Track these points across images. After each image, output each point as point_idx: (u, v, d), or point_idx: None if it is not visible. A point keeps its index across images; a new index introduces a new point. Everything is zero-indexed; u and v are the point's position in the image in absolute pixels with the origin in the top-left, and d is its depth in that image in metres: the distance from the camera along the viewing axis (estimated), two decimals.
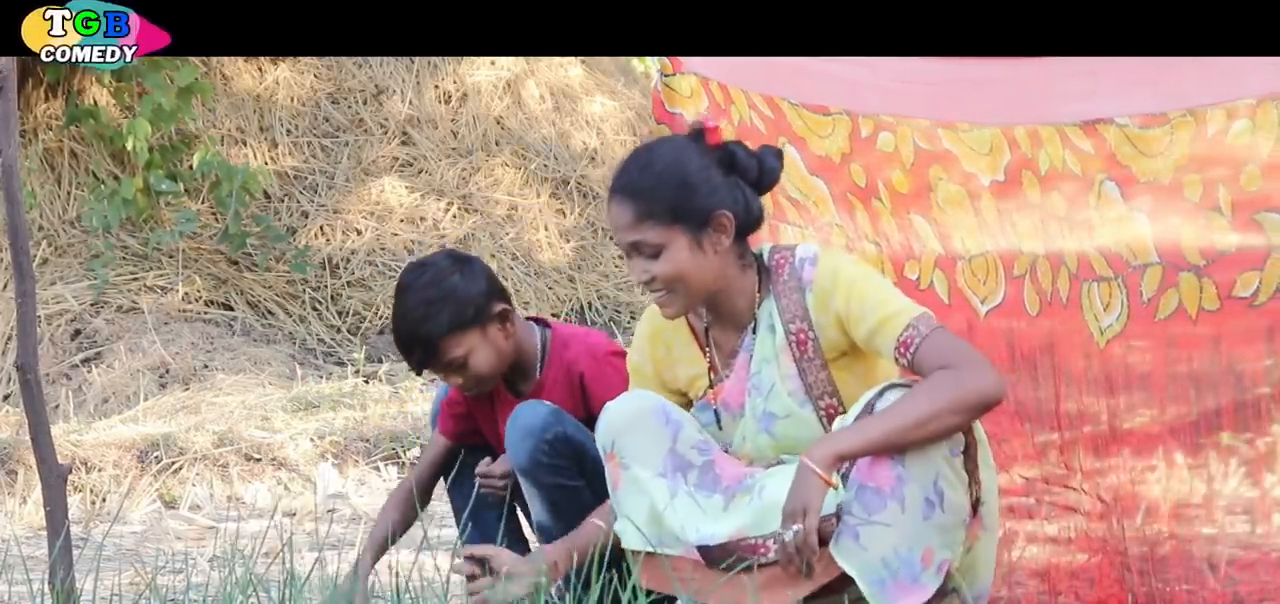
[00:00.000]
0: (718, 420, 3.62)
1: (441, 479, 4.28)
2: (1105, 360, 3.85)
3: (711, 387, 3.64)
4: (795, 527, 3.32)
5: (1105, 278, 3.83)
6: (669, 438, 3.56)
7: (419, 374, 4.09)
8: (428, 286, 3.96)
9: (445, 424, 4.20)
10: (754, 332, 3.57)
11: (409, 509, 4.22)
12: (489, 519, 4.08)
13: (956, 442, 3.38)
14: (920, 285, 4.01)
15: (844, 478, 3.39)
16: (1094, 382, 3.87)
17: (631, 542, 3.54)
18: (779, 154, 3.60)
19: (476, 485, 4.09)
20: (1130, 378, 3.84)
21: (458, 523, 4.20)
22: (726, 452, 3.61)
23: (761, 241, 3.71)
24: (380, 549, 4.14)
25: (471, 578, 3.69)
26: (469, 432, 4.18)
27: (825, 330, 3.51)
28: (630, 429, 3.57)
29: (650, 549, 3.51)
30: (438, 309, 3.93)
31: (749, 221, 3.55)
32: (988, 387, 3.34)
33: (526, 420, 3.86)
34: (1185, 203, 3.72)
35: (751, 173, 3.55)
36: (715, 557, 3.47)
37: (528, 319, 4.12)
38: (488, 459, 4.11)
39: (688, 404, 3.68)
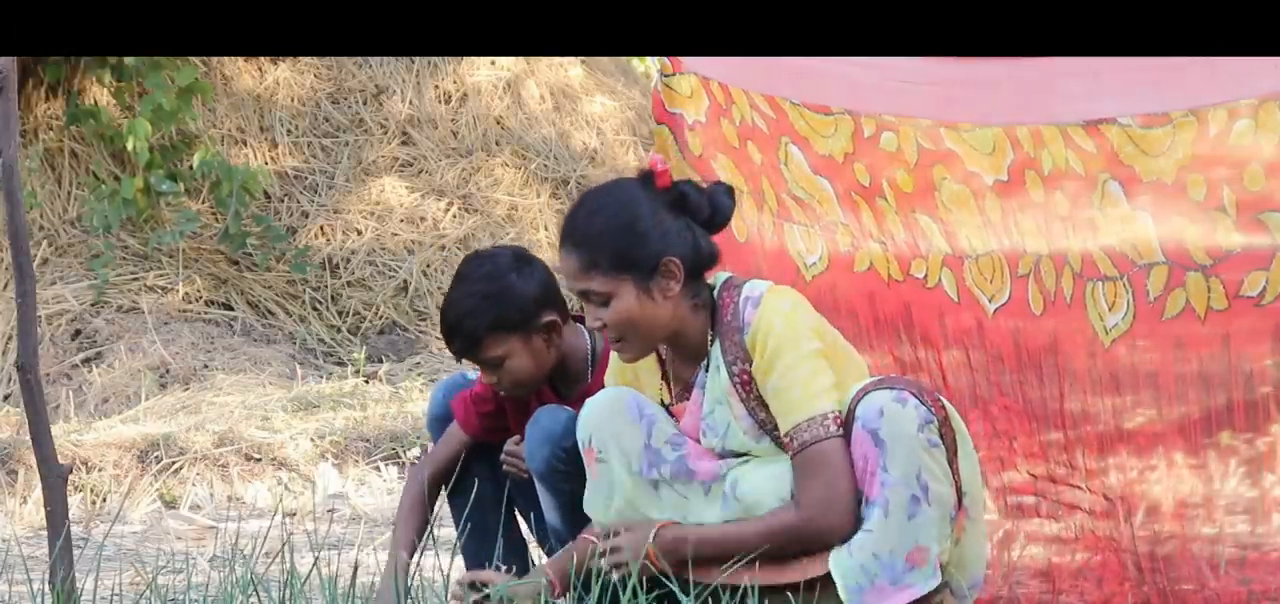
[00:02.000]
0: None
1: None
2: (1111, 360, 3.84)
3: (670, 406, 3.67)
4: (613, 556, 3.52)
5: (1110, 277, 3.83)
6: (643, 432, 3.59)
7: (459, 362, 4.07)
8: (482, 280, 3.93)
9: (469, 421, 4.14)
10: (706, 369, 3.58)
11: (432, 507, 4.18)
12: (488, 524, 4.07)
13: (933, 432, 3.39)
14: (928, 284, 4.00)
15: None
16: (1099, 381, 3.87)
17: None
18: (731, 191, 3.61)
19: (476, 484, 4.07)
20: (1137, 377, 3.84)
21: (456, 523, 4.18)
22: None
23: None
24: (413, 550, 4.09)
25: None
26: (494, 429, 4.15)
27: None
28: (607, 424, 3.60)
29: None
30: (486, 305, 3.90)
31: (700, 262, 3.55)
32: (834, 529, 3.43)
33: (546, 426, 3.85)
34: (1189, 202, 3.72)
35: (702, 212, 3.55)
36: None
37: (576, 319, 4.07)
38: (516, 438, 4.07)
39: None
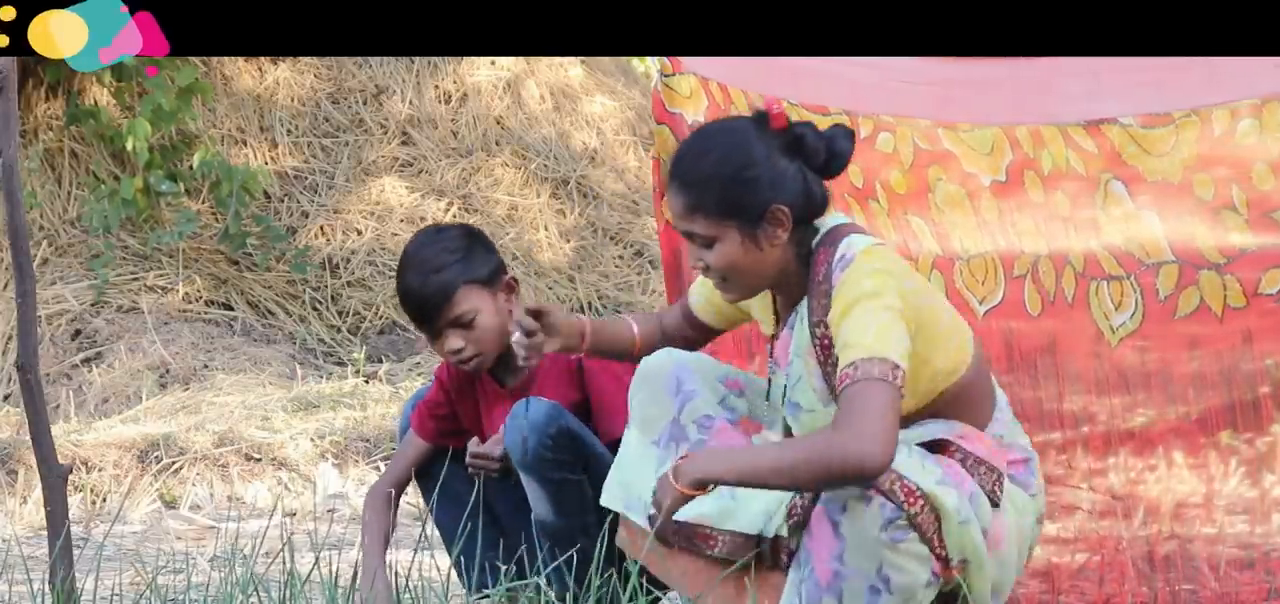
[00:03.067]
0: (770, 379, 3.56)
1: (422, 498, 4.26)
2: (1119, 359, 3.84)
3: (774, 337, 3.55)
4: (652, 511, 3.34)
5: (1116, 277, 3.83)
6: (675, 408, 3.54)
7: (426, 329, 4.05)
8: (444, 242, 4.00)
9: (424, 427, 4.16)
10: (796, 319, 3.47)
11: (393, 515, 4.20)
12: (479, 525, 4.06)
13: (899, 527, 3.23)
14: None
15: (802, 524, 3.36)
16: (1104, 381, 3.87)
17: (608, 500, 3.56)
18: (850, 134, 3.45)
19: (477, 487, 4.06)
20: (1149, 376, 3.83)
21: (448, 546, 4.16)
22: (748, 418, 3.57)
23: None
24: (383, 561, 4.11)
25: (531, 333, 3.60)
26: (449, 432, 4.15)
27: None
28: (642, 390, 3.56)
29: (620, 510, 3.53)
30: (454, 259, 3.96)
31: (811, 209, 3.41)
32: (863, 459, 3.18)
33: (530, 416, 3.86)
34: (1196, 201, 3.72)
35: (818, 157, 3.40)
36: (667, 538, 3.46)
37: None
38: (475, 440, 4.07)
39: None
